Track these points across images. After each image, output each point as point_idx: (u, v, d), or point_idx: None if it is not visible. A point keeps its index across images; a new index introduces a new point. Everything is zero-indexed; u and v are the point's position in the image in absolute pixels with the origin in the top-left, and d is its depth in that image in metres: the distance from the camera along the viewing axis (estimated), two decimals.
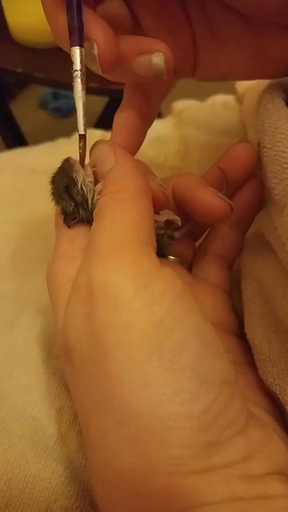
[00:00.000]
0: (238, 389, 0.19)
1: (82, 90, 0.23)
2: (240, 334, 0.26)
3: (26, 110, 1.57)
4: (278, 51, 0.24)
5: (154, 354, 0.17)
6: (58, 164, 0.25)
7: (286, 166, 0.22)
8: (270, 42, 0.23)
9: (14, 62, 0.77)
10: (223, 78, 0.26)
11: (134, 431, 0.17)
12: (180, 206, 0.26)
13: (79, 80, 0.22)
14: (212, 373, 0.18)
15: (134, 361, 0.17)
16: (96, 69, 0.22)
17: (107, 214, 0.21)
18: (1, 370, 0.26)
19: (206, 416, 0.17)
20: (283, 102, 0.24)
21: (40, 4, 0.22)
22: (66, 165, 0.24)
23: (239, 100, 0.44)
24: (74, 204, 0.24)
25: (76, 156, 0.24)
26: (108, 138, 0.26)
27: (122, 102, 0.26)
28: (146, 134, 0.27)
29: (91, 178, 0.24)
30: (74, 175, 0.24)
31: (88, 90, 0.23)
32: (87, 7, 0.22)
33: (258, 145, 0.25)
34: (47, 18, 0.22)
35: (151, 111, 0.26)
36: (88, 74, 0.23)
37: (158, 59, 0.22)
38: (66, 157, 0.25)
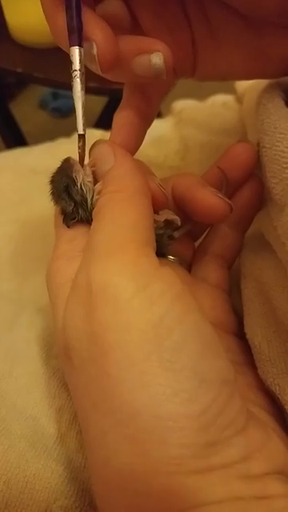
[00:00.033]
0: (238, 389, 0.19)
1: (82, 89, 0.23)
2: (240, 334, 0.26)
3: (25, 110, 1.57)
4: (277, 51, 0.24)
5: (153, 354, 0.17)
6: (58, 164, 0.25)
7: (285, 165, 0.22)
8: (269, 41, 0.23)
9: (14, 62, 0.77)
10: (223, 78, 0.26)
11: (134, 431, 0.17)
12: (179, 205, 0.26)
13: (78, 80, 0.22)
14: (211, 373, 0.18)
15: (133, 361, 0.17)
16: (95, 69, 0.22)
17: (106, 214, 0.21)
18: (0, 369, 0.26)
19: (205, 416, 0.17)
20: (283, 102, 0.24)
21: (39, 4, 0.22)
22: (66, 165, 0.24)
23: (239, 100, 0.44)
24: (73, 204, 0.24)
25: (76, 156, 0.24)
26: (108, 138, 0.26)
27: (122, 101, 0.26)
28: (145, 133, 0.27)
29: (91, 178, 0.24)
30: (73, 175, 0.24)
31: (87, 90, 0.23)
32: (86, 7, 0.22)
33: (258, 144, 0.25)
34: (46, 17, 0.22)
35: (151, 111, 0.26)
36: (87, 74, 0.23)
37: (157, 59, 0.22)
38: (65, 157, 0.25)
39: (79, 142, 0.24)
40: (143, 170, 0.24)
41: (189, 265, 0.29)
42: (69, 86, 0.23)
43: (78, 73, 0.22)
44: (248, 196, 0.27)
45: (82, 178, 0.24)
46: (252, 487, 0.17)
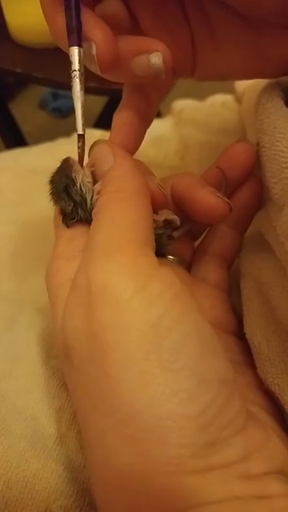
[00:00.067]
0: (237, 388, 0.19)
1: (81, 89, 0.23)
2: (239, 334, 0.26)
3: (25, 110, 1.57)
4: (276, 51, 0.24)
5: (152, 354, 0.17)
6: (58, 164, 0.25)
7: (284, 165, 0.22)
8: (268, 41, 0.23)
9: (14, 62, 0.77)
10: (222, 78, 0.26)
11: (133, 431, 0.17)
12: (179, 205, 0.26)
13: (78, 80, 0.22)
14: (210, 372, 0.18)
15: (132, 361, 0.17)
16: (94, 69, 0.22)
17: (106, 214, 0.21)
18: (0, 369, 0.26)
19: (204, 416, 0.17)
20: (282, 102, 0.24)
21: (39, 4, 0.22)
22: (65, 165, 0.24)
23: (238, 99, 0.44)
24: (72, 204, 0.24)
25: (75, 156, 0.24)
26: (107, 138, 0.26)
27: (121, 101, 0.26)
28: (144, 133, 0.27)
29: (90, 178, 0.24)
30: (72, 175, 0.24)
31: (87, 90, 0.23)
32: (85, 7, 0.22)
33: (257, 144, 0.25)
34: (46, 18, 0.22)
35: (150, 111, 0.26)
36: (87, 74, 0.23)
37: (156, 59, 0.22)
38: (65, 157, 0.25)
39: (79, 142, 0.24)
40: (143, 169, 0.24)
41: (188, 265, 0.29)
42: (68, 86, 0.23)
43: (77, 73, 0.22)
44: (247, 196, 0.27)
45: (82, 178, 0.24)
46: (251, 487, 0.17)
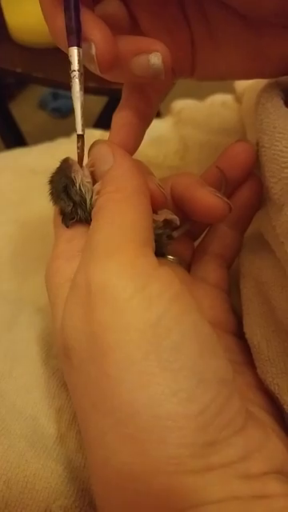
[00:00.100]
0: (237, 388, 0.19)
1: (80, 90, 0.23)
2: (239, 334, 0.26)
3: (25, 110, 1.58)
4: (276, 51, 0.24)
5: (151, 354, 0.17)
6: (57, 164, 0.25)
7: (284, 165, 0.22)
8: (268, 41, 0.23)
9: (13, 62, 0.77)
10: (222, 78, 0.26)
11: (133, 431, 0.17)
12: (179, 205, 0.26)
13: (77, 80, 0.22)
14: (209, 372, 0.18)
15: (132, 361, 0.17)
16: (94, 69, 0.22)
17: (105, 214, 0.21)
18: (0, 369, 0.26)
19: (204, 416, 0.17)
20: (282, 102, 0.24)
21: (39, 4, 0.22)
22: (65, 165, 0.24)
23: (238, 99, 0.44)
24: (72, 204, 0.24)
25: (75, 156, 0.24)
26: (107, 138, 0.26)
27: (121, 101, 0.26)
28: (144, 133, 0.27)
29: (89, 178, 0.24)
30: (72, 175, 0.24)
31: (87, 90, 0.23)
32: (85, 7, 0.22)
33: (257, 144, 0.25)
34: (45, 18, 0.22)
35: (150, 111, 0.26)
36: (87, 74, 0.23)
37: (156, 59, 0.22)
38: (65, 157, 0.25)
39: (78, 142, 0.24)
40: (142, 169, 0.24)
41: (188, 264, 0.29)
42: (68, 86, 0.23)
43: (76, 73, 0.22)
44: (247, 195, 0.27)
45: (81, 178, 0.24)
46: (251, 487, 0.17)
